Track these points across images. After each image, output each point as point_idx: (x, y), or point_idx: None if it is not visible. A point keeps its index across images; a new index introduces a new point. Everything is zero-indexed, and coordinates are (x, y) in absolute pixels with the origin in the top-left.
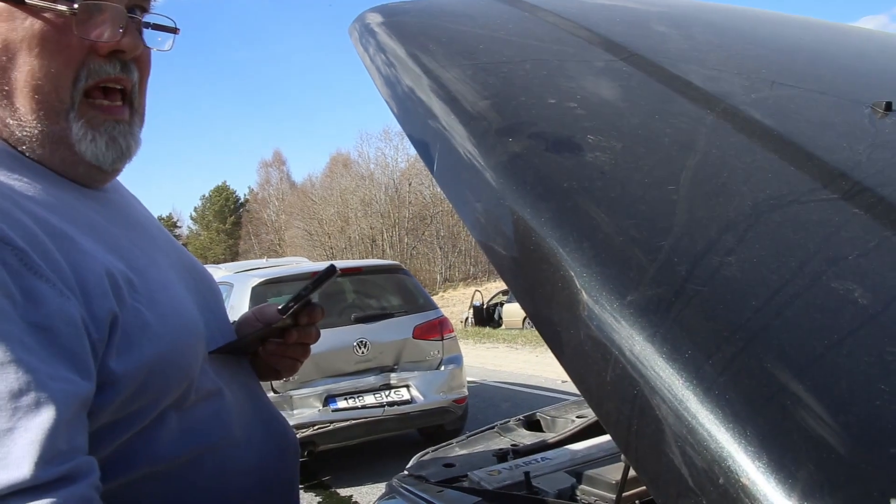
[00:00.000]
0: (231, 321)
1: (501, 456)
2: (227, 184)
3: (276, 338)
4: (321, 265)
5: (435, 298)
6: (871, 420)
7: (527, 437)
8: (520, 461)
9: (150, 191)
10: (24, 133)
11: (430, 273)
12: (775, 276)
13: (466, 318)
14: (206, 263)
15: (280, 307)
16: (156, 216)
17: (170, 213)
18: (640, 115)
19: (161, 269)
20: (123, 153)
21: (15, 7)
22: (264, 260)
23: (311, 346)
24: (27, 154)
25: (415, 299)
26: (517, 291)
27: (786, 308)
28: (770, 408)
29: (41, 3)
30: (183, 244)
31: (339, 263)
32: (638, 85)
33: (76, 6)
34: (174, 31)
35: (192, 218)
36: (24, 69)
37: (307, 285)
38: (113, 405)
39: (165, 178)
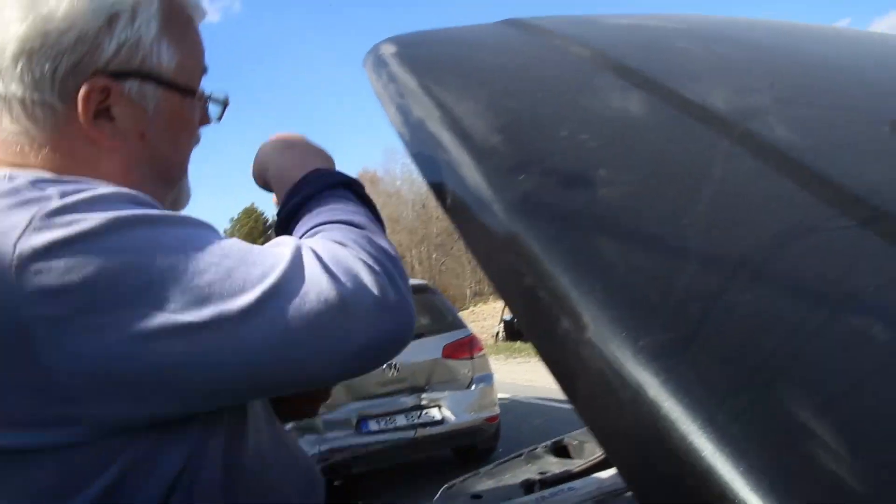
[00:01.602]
0: None
1: (528, 487)
2: (255, 205)
3: None
4: None
5: (465, 313)
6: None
7: (554, 465)
8: (546, 492)
9: None
10: (155, 197)
11: (459, 288)
12: (791, 314)
13: (497, 333)
14: None
15: None
16: None
17: None
18: (653, 145)
19: None
20: (188, 198)
21: (185, 98)
22: None
23: None
24: None
25: (443, 318)
26: (531, 334)
27: (802, 350)
28: (788, 456)
29: (203, 97)
30: None
31: None
32: (651, 112)
33: (217, 98)
34: (226, 104)
35: None
36: (181, 152)
37: None
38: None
39: (194, 200)
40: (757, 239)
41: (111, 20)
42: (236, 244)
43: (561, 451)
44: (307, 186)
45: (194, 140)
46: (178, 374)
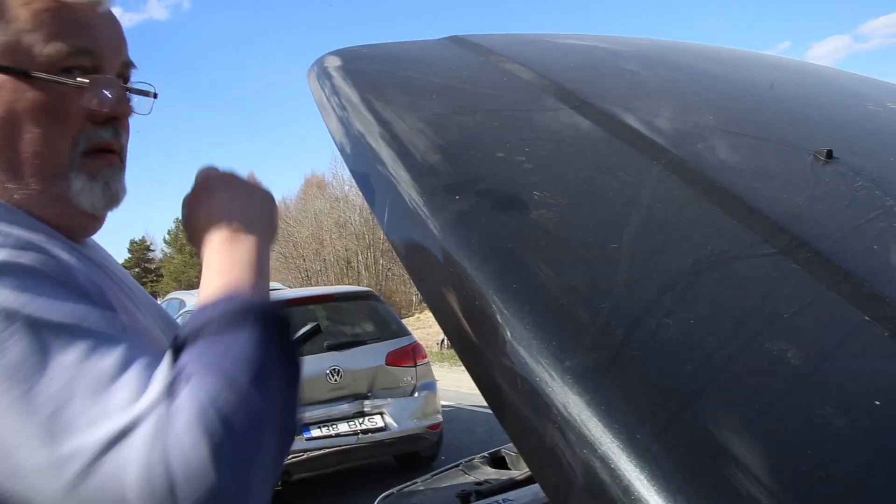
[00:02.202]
0: None
1: (464, 497)
2: None
3: None
4: (297, 292)
5: (411, 320)
6: (801, 485)
7: (491, 475)
8: (482, 503)
9: (121, 214)
10: (23, 195)
11: (405, 294)
12: (711, 337)
13: (442, 340)
14: (180, 288)
15: None
16: (128, 239)
17: (143, 237)
18: (587, 168)
19: (146, 323)
20: (114, 198)
21: (19, 79)
22: None
23: None
24: (29, 212)
25: (387, 326)
26: (462, 352)
27: (719, 372)
28: (704, 475)
29: (47, 77)
30: (156, 268)
31: (312, 290)
32: (586, 135)
33: (86, 79)
34: (154, 95)
35: (165, 241)
36: (27, 137)
37: None
38: None
39: (137, 200)
40: (682, 264)
41: None
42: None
43: (499, 461)
44: (222, 305)
45: (63, 125)
46: None
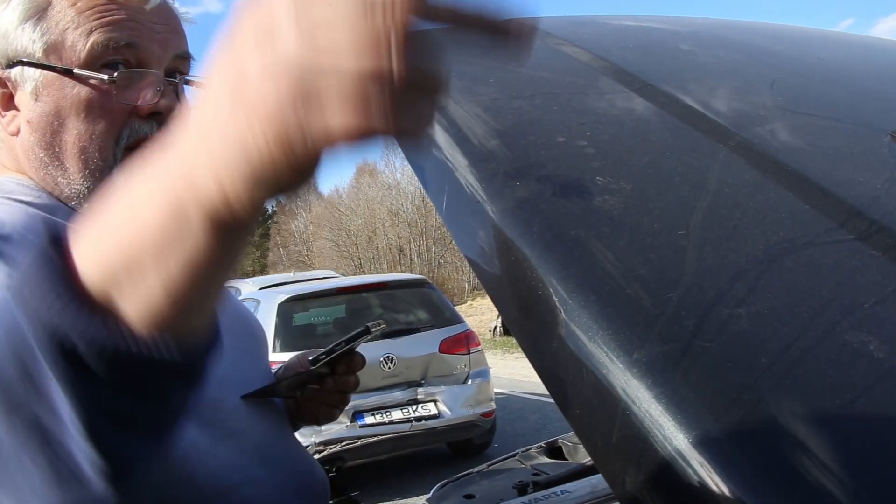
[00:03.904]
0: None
1: (521, 488)
2: None
3: (314, 384)
4: (351, 280)
5: (463, 308)
6: (884, 485)
7: (548, 466)
8: (539, 494)
9: None
10: (73, 190)
11: (458, 282)
12: (786, 328)
13: (495, 328)
14: (235, 277)
15: (311, 358)
16: None
17: None
18: (650, 152)
19: None
20: None
21: (64, 76)
22: (292, 273)
23: None
24: (77, 207)
25: (441, 313)
26: (525, 344)
27: (796, 365)
28: (781, 472)
29: (86, 73)
30: None
31: (365, 278)
32: (648, 118)
33: (115, 75)
34: None
35: None
36: (72, 132)
37: (340, 342)
38: None
39: None
40: (753, 251)
41: None
42: None
43: (555, 452)
44: None
45: (106, 121)
46: None
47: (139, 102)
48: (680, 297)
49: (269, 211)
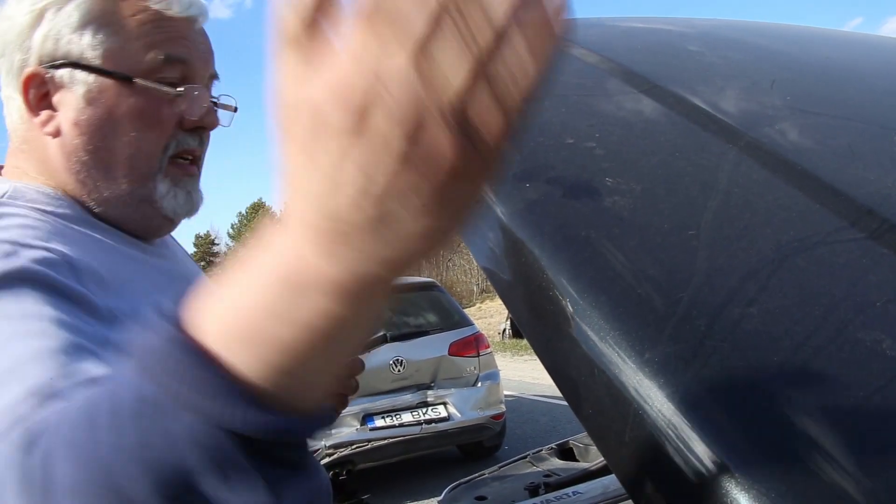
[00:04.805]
0: None
1: (533, 490)
2: (263, 200)
3: None
4: None
5: (472, 310)
6: None
7: (559, 468)
8: (551, 496)
9: None
10: (114, 194)
11: (466, 285)
12: (798, 327)
13: (504, 330)
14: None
15: None
16: (193, 234)
17: (207, 231)
18: (660, 153)
19: None
20: (194, 206)
21: (123, 84)
22: None
23: None
24: (106, 212)
25: (450, 316)
26: (536, 345)
27: (808, 364)
28: (794, 471)
29: (151, 84)
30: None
31: None
32: (657, 119)
33: (181, 89)
34: (234, 109)
35: (229, 235)
36: (124, 138)
37: None
38: None
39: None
40: (764, 251)
41: (40, 15)
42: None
43: (566, 453)
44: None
45: (156, 131)
46: None
47: (192, 116)
48: (691, 296)
49: (279, 216)
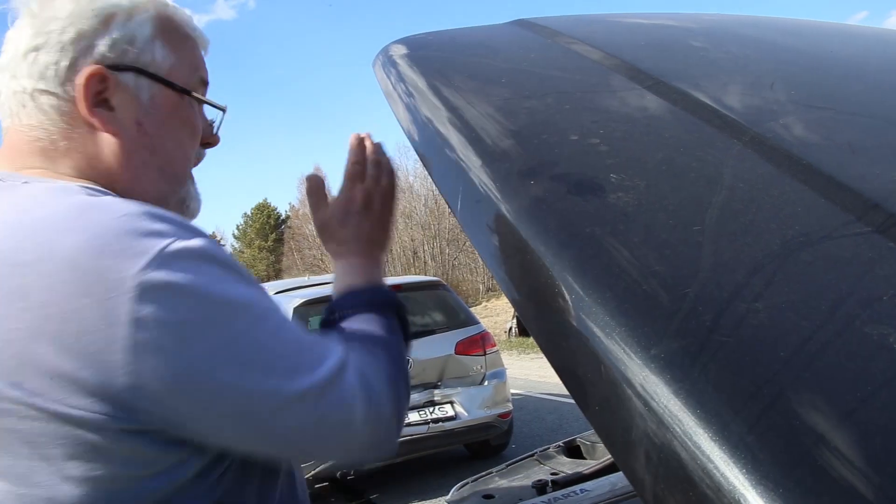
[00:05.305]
0: None
1: (540, 488)
2: (268, 201)
3: None
4: None
5: (478, 309)
6: None
7: (567, 465)
8: (559, 494)
9: None
10: (159, 192)
11: (472, 283)
12: (805, 322)
13: (510, 328)
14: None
15: None
16: None
17: (213, 232)
18: (664, 149)
19: None
20: (199, 208)
21: (182, 96)
22: (306, 277)
23: None
24: None
25: (456, 315)
26: (542, 342)
27: (815, 359)
28: (803, 467)
29: (207, 100)
30: None
31: None
32: (661, 115)
33: (223, 105)
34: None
35: (234, 236)
36: (174, 144)
37: None
38: None
39: (208, 197)
40: (770, 246)
41: (107, 20)
42: (293, 325)
43: (573, 451)
44: (368, 294)
45: (195, 141)
46: (225, 422)
47: (212, 133)
48: (696, 292)
49: (283, 216)
